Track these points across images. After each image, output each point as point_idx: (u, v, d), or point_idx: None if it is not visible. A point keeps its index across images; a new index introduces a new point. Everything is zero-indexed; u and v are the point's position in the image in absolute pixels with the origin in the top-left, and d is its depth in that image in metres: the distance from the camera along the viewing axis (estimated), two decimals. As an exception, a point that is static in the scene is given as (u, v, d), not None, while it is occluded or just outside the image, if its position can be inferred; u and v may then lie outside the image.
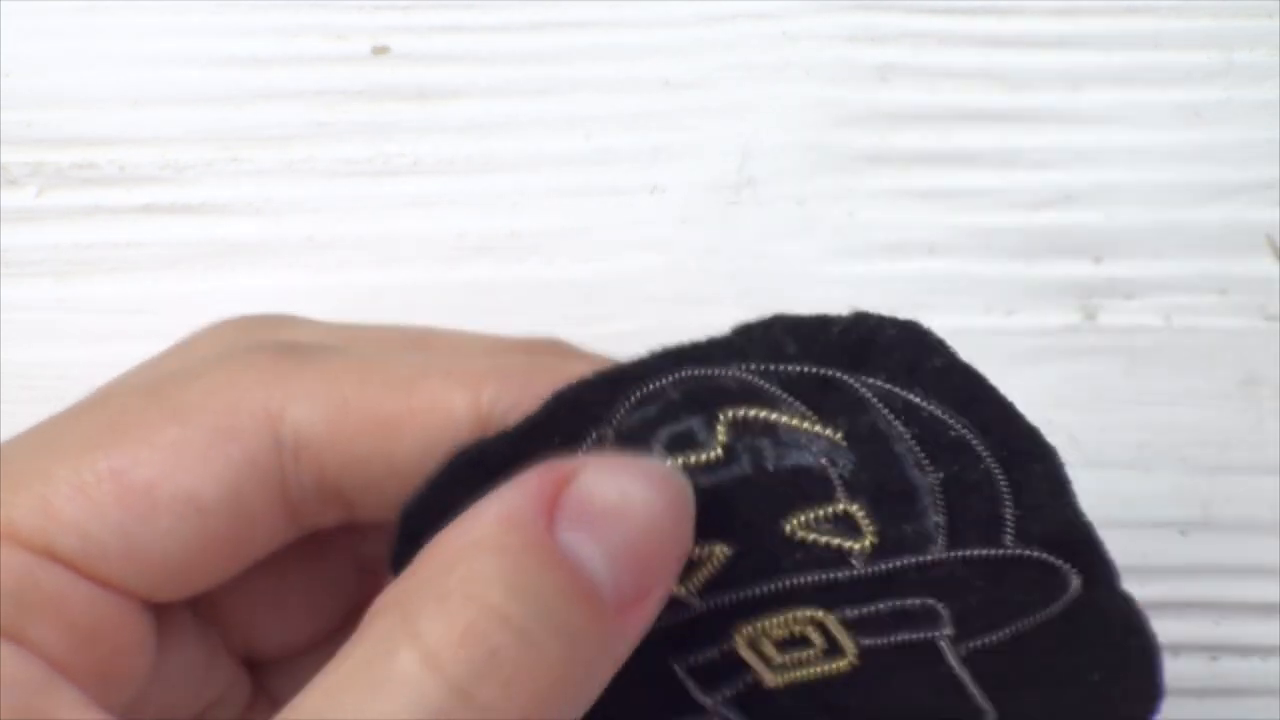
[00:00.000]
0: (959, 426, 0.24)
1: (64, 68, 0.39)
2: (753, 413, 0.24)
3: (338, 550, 0.27)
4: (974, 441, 0.24)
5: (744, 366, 0.24)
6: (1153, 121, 0.39)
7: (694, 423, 0.24)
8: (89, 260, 0.38)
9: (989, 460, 0.24)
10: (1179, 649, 0.38)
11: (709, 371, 0.24)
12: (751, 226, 0.38)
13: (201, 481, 0.24)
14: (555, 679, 0.22)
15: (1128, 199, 0.38)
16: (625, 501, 0.23)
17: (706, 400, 0.24)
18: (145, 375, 0.27)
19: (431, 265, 0.38)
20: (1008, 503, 0.24)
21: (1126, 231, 0.38)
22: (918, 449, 0.24)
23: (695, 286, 0.38)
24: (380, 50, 0.39)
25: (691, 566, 0.24)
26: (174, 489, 0.24)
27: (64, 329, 0.38)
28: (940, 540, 0.24)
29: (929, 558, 0.24)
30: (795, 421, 0.24)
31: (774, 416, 0.24)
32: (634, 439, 0.24)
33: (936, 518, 0.24)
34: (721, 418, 0.24)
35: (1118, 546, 0.38)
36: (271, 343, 0.26)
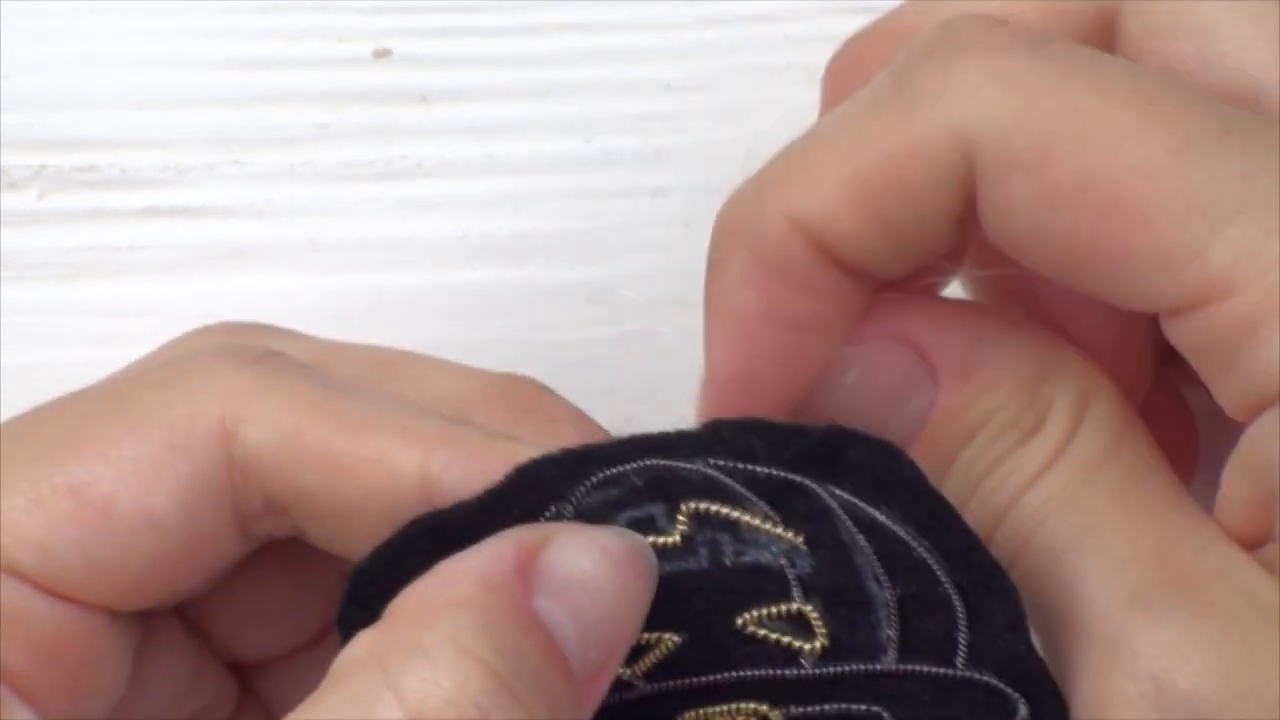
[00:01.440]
0: (921, 549, 0.24)
1: (65, 70, 0.39)
2: (714, 508, 0.24)
3: (318, 555, 0.27)
4: (934, 566, 0.24)
5: (710, 462, 0.24)
6: (1155, 124, 0.38)
7: (655, 510, 0.24)
8: (90, 263, 0.38)
9: (948, 585, 0.24)
10: None
11: (674, 464, 0.24)
12: (753, 229, 0.38)
13: (156, 497, 0.24)
14: None
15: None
16: (595, 574, 0.23)
17: (669, 490, 0.24)
18: (114, 378, 0.27)
19: (434, 267, 0.38)
20: (962, 628, 0.24)
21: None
22: (877, 564, 0.24)
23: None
24: (382, 53, 0.39)
25: (639, 651, 0.24)
26: (129, 503, 0.24)
27: (65, 332, 0.38)
28: (891, 653, 0.24)
29: (879, 667, 0.24)
30: (757, 521, 0.24)
31: (735, 514, 0.24)
32: (593, 518, 0.24)
33: (889, 631, 0.24)
34: (684, 508, 0.24)
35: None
36: (240, 349, 0.25)
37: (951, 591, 0.24)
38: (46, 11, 0.39)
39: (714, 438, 0.24)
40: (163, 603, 0.25)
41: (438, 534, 0.24)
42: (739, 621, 0.24)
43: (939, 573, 0.24)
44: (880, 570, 0.24)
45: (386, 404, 0.25)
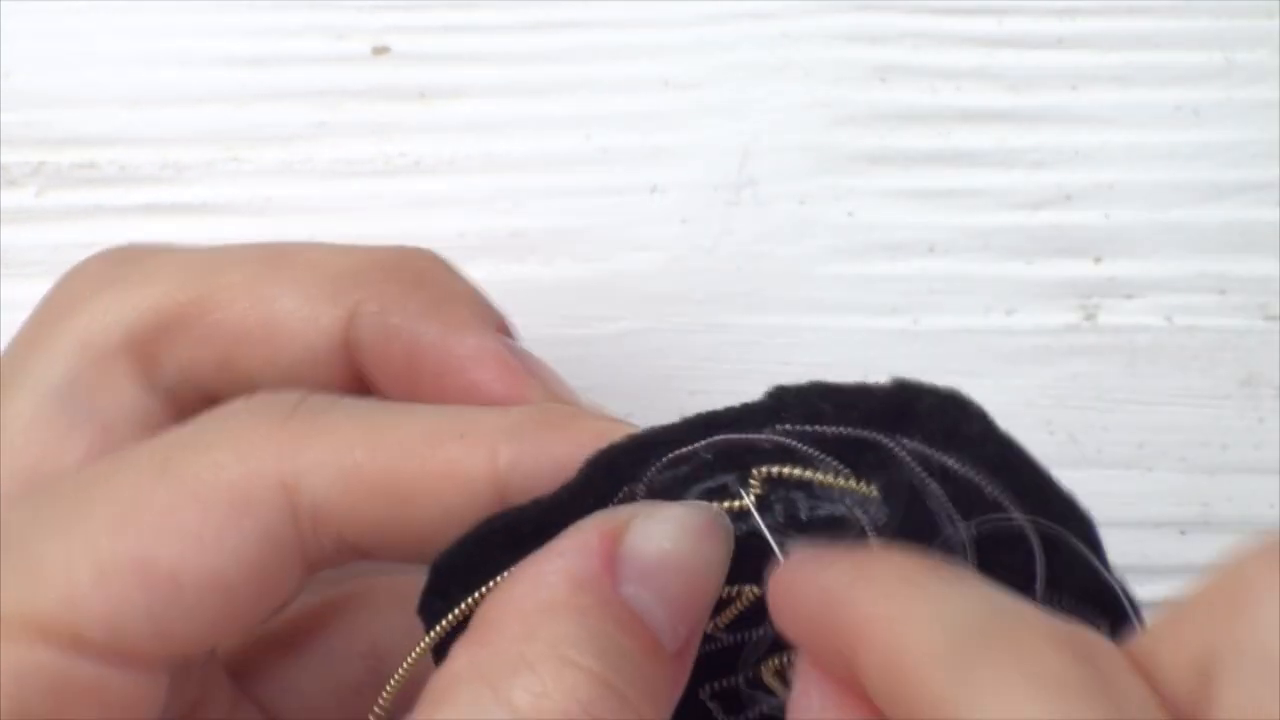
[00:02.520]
0: (994, 490, 0.24)
1: (64, 68, 0.39)
2: (787, 470, 0.25)
3: None
4: (1008, 504, 0.24)
5: (779, 429, 0.25)
6: (1152, 121, 0.39)
7: (727, 479, 0.25)
8: (89, 260, 0.38)
9: (1022, 521, 0.24)
10: None
11: (743, 436, 0.25)
12: (751, 226, 0.38)
13: (223, 561, 0.24)
14: None
15: (1128, 199, 0.38)
16: (677, 550, 0.23)
17: (740, 459, 0.25)
18: (43, 370, 0.27)
19: (432, 265, 0.38)
20: (1040, 559, 0.24)
21: (1126, 231, 0.38)
22: (951, 506, 0.24)
23: (695, 286, 0.38)
24: (380, 50, 0.39)
25: (721, 604, 0.25)
26: (197, 570, 0.24)
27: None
28: None
29: None
30: (830, 478, 0.24)
31: (808, 474, 0.24)
32: (665, 496, 0.25)
33: (968, 566, 0.24)
34: (755, 474, 0.25)
35: (1118, 547, 0.38)
36: (276, 402, 0.25)
37: (1026, 526, 0.24)
38: (46, 10, 0.39)
39: (780, 405, 0.25)
40: (229, 642, 0.26)
41: (514, 530, 0.24)
42: None
43: (1013, 511, 0.24)
44: (954, 512, 0.24)
45: (433, 414, 0.25)
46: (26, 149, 0.38)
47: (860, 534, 0.24)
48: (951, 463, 0.24)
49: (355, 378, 0.28)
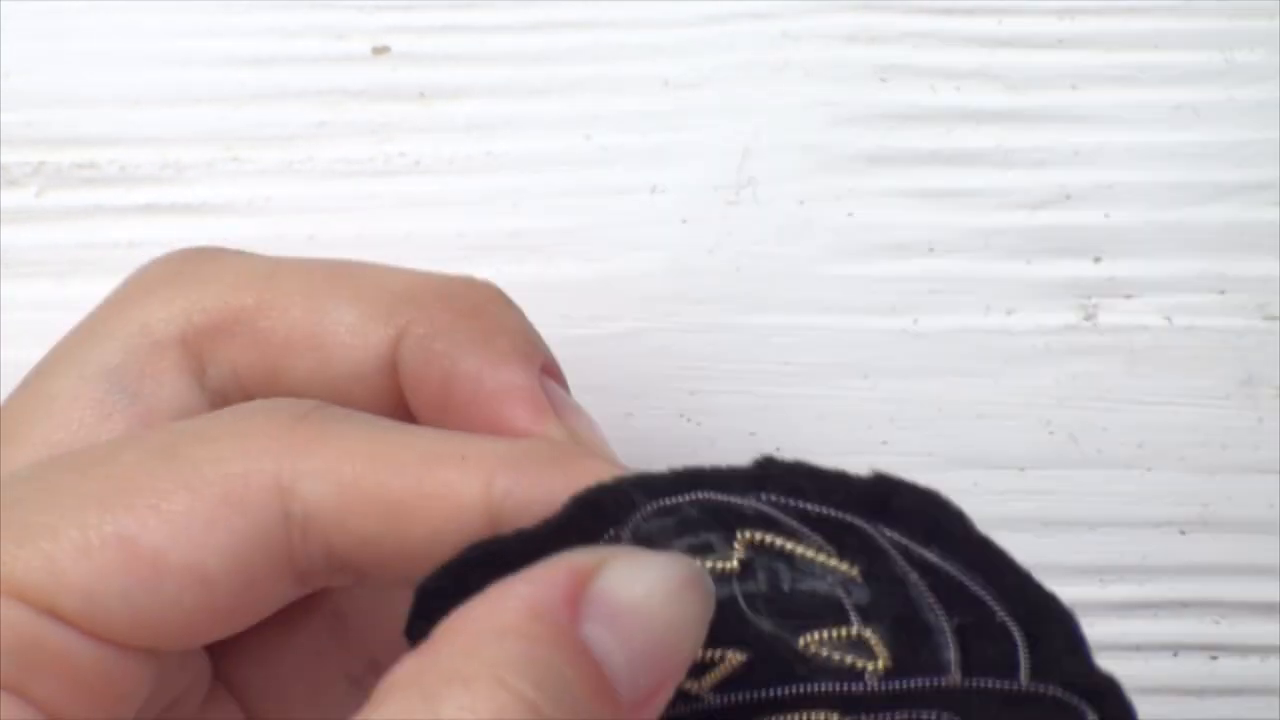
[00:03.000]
0: (975, 585, 0.24)
1: (64, 68, 0.39)
2: (770, 538, 0.24)
3: None
4: (989, 599, 0.24)
5: (762, 497, 0.24)
6: (1153, 121, 0.39)
7: (712, 537, 0.25)
8: (89, 260, 0.38)
9: (1004, 616, 0.24)
10: (1179, 649, 0.38)
11: (728, 498, 0.25)
12: (751, 226, 0.38)
13: (208, 553, 0.24)
14: None
15: (1128, 199, 0.38)
16: (649, 600, 0.23)
17: (725, 520, 0.25)
18: (92, 356, 0.27)
19: (432, 265, 0.38)
20: (1023, 652, 0.24)
21: (1126, 231, 0.38)
22: (932, 597, 0.24)
23: (695, 286, 0.38)
24: (380, 50, 0.39)
25: (705, 666, 0.25)
26: (180, 559, 0.24)
27: (64, 329, 0.37)
28: (956, 672, 0.24)
29: (944, 682, 0.24)
30: (812, 553, 0.24)
31: (791, 545, 0.24)
32: (651, 544, 0.24)
33: (950, 654, 0.24)
34: (739, 536, 0.24)
35: (1117, 547, 0.38)
36: (287, 405, 0.25)
37: (1009, 620, 0.24)
38: (46, 10, 0.39)
39: (765, 475, 0.25)
40: (205, 643, 0.25)
41: (495, 559, 0.24)
42: (802, 642, 0.24)
43: (994, 605, 0.24)
44: (936, 602, 0.24)
45: (438, 436, 0.25)
46: (26, 149, 0.38)
47: (841, 612, 0.24)
48: (932, 556, 0.24)
49: (399, 399, 0.28)
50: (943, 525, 0.24)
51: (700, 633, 0.23)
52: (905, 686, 0.24)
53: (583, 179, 0.38)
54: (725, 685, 0.25)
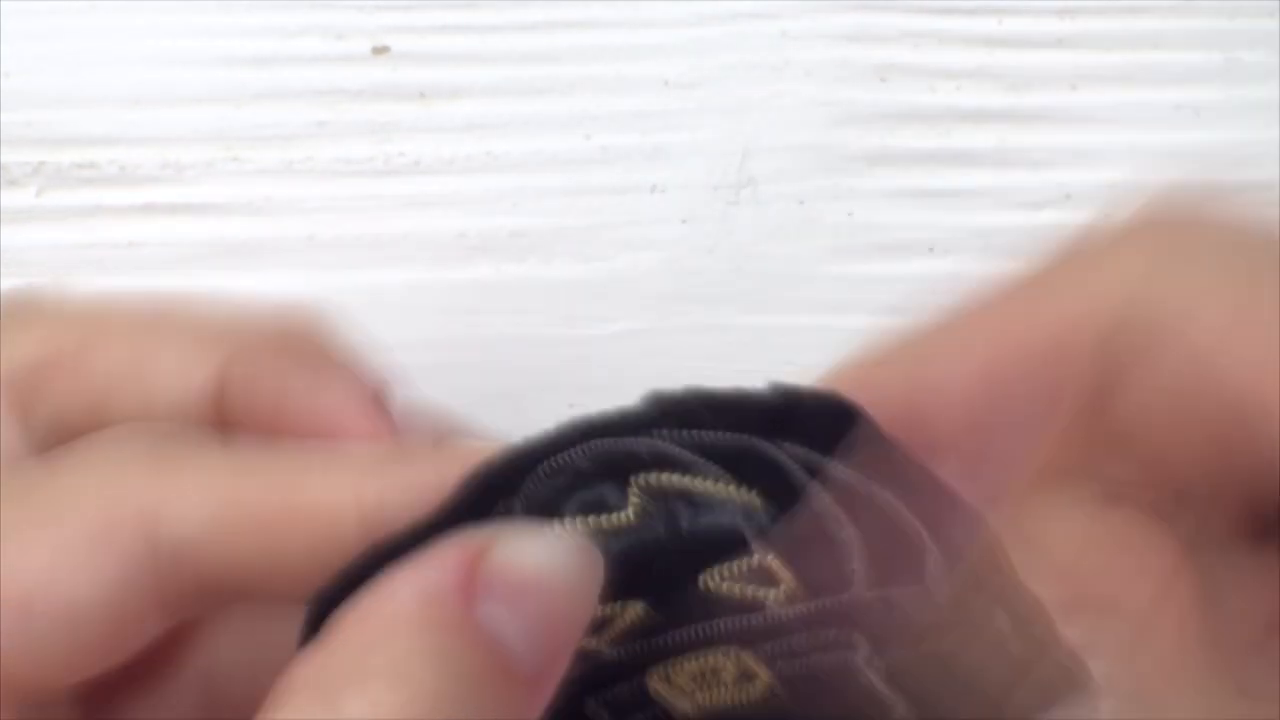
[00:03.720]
0: (879, 490, 0.24)
1: (64, 68, 0.39)
2: (665, 477, 0.24)
3: None
4: (896, 503, 0.24)
5: (657, 433, 0.24)
6: (1152, 121, 0.39)
7: (605, 489, 0.24)
8: (89, 260, 0.38)
9: (911, 518, 0.24)
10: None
11: (620, 441, 0.24)
12: (751, 226, 0.38)
13: (78, 590, 0.23)
14: None
15: (1128, 199, 0.38)
16: (540, 574, 0.23)
17: (617, 467, 0.24)
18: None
19: (432, 265, 0.38)
20: (931, 554, 0.24)
21: (1126, 231, 0.38)
22: (836, 509, 0.24)
23: (695, 286, 0.38)
24: (380, 50, 0.39)
25: (604, 622, 0.24)
26: (48, 601, 0.23)
27: (64, 329, 0.38)
28: (859, 584, 0.24)
29: (847, 596, 0.24)
30: (710, 484, 0.24)
31: (688, 481, 0.24)
32: (544, 508, 0.24)
33: (855, 565, 0.24)
34: (634, 483, 0.24)
35: (1118, 546, 0.37)
36: (145, 431, 0.25)
37: (914, 524, 0.24)
38: (46, 10, 0.39)
39: (659, 411, 0.24)
40: (77, 681, 0.25)
41: (392, 555, 0.24)
42: (703, 583, 0.24)
43: (902, 509, 0.24)
44: (840, 514, 0.24)
45: (299, 452, 0.25)
46: (26, 149, 0.38)
47: (741, 543, 0.24)
48: (836, 466, 0.24)
49: (229, 435, 0.27)
50: (844, 429, 0.24)
51: (592, 599, 0.23)
52: (808, 610, 0.24)
53: (583, 178, 0.38)
54: (624, 638, 0.25)
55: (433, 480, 0.24)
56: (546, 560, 0.23)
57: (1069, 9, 0.39)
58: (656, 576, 0.24)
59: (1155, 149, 0.38)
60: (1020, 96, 0.39)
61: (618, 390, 0.37)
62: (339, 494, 0.24)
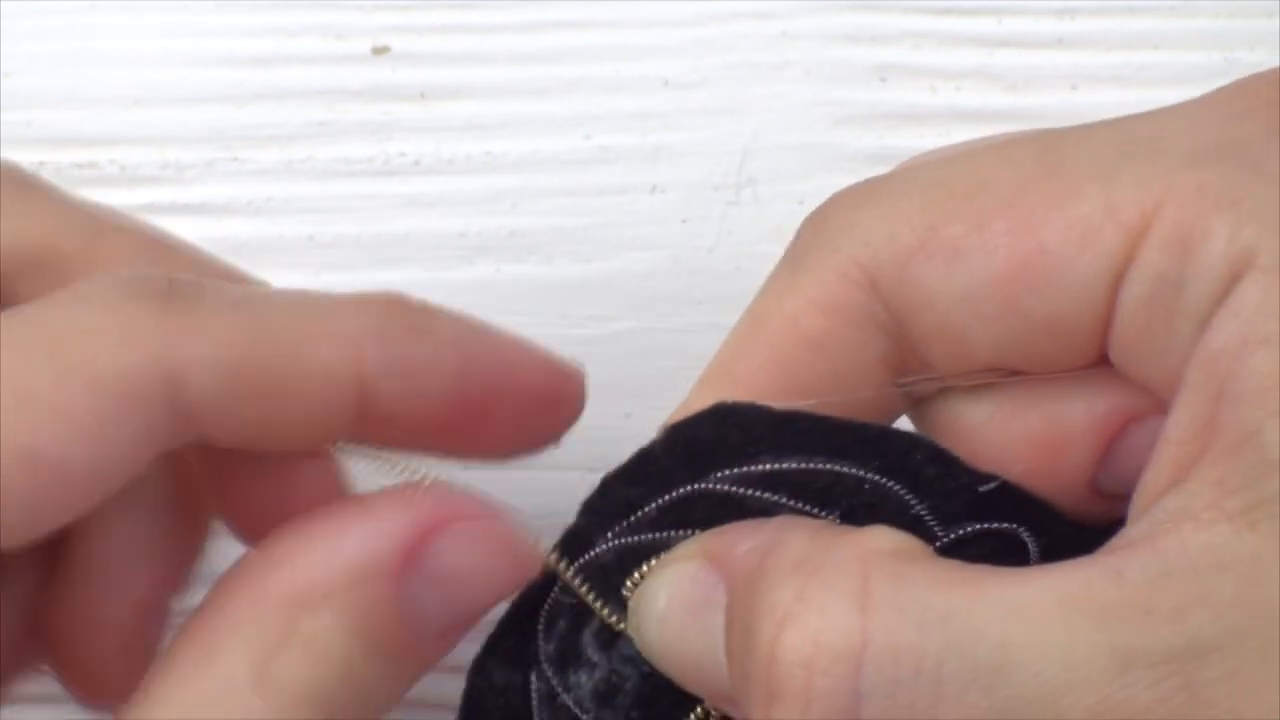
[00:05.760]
0: (823, 464, 0.24)
1: (64, 68, 0.39)
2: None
3: None
4: (846, 469, 0.24)
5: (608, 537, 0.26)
6: (1152, 121, 0.38)
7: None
8: (89, 260, 0.38)
9: (871, 475, 0.24)
10: None
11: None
12: (751, 226, 0.38)
13: (109, 452, 0.24)
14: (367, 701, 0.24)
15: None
16: (487, 577, 0.25)
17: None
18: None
19: (432, 265, 0.38)
20: (913, 501, 0.24)
21: (1126, 231, 0.38)
22: (800, 504, 0.24)
23: (695, 286, 0.38)
24: (380, 50, 0.39)
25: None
26: (85, 463, 0.24)
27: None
28: None
29: None
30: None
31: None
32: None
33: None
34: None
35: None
36: (149, 284, 0.25)
37: (878, 478, 0.24)
38: (46, 10, 0.39)
39: (591, 511, 0.26)
40: (58, 526, 0.25)
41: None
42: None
43: (856, 470, 0.24)
44: (808, 506, 0.24)
45: (305, 306, 0.26)
46: (27, 148, 0.38)
47: None
48: (770, 465, 0.24)
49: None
50: (752, 430, 0.24)
51: (521, 583, 0.25)
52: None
53: (582, 179, 0.38)
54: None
55: (429, 354, 0.25)
56: (486, 562, 0.25)
57: (1069, 9, 0.39)
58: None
59: (1155, 149, 0.38)
60: (1020, 96, 0.39)
61: (618, 390, 0.37)
62: (343, 362, 0.25)
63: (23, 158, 0.38)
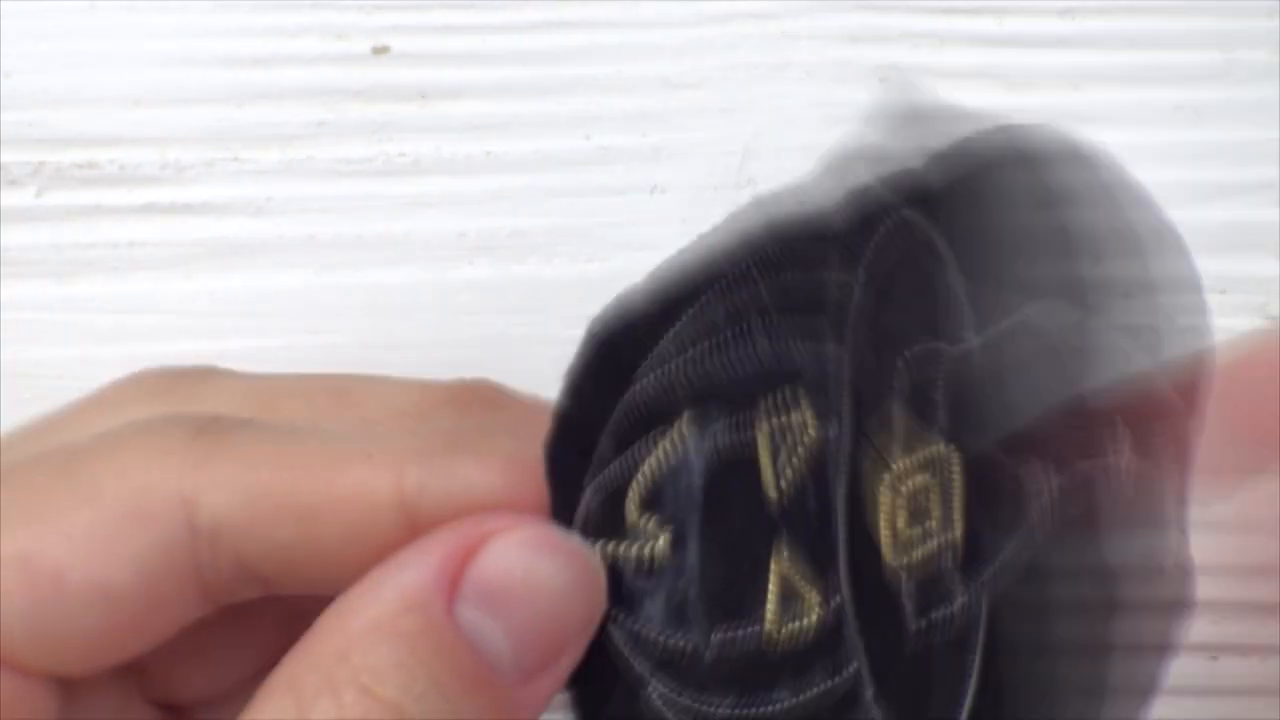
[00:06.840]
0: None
1: (64, 68, 0.39)
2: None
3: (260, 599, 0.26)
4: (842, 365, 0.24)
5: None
6: (1153, 121, 0.39)
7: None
8: (89, 260, 0.38)
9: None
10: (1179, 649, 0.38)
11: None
12: (752, 226, 0.38)
13: (111, 568, 0.23)
14: None
15: (1128, 199, 0.38)
16: (530, 578, 0.23)
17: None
18: (51, 441, 0.26)
19: (432, 265, 0.38)
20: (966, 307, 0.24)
21: (1126, 231, 0.38)
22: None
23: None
24: (380, 50, 0.39)
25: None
26: (83, 575, 0.23)
27: (64, 329, 0.38)
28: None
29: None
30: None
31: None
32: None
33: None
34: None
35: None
36: (187, 419, 0.25)
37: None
38: (46, 10, 0.39)
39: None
40: (111, 665, 0.25)
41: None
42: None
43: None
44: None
45: (342, 437, 0.25)
46: (26, 149, 0.38)
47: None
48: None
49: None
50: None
51: (592, 601, 0.23)
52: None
53: (583, 179, 0.38)
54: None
55: (477, 474, 0.24)
56: (538, 565, 0.23)
57: (1070, 9, 0.39)
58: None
59: (1155, 149, 0.38)
60: (1020, 96, 0.39)
61: (618, 390, 0.37)
62: (379, 482, 0.24)
63: (23, 158, 0.38)
